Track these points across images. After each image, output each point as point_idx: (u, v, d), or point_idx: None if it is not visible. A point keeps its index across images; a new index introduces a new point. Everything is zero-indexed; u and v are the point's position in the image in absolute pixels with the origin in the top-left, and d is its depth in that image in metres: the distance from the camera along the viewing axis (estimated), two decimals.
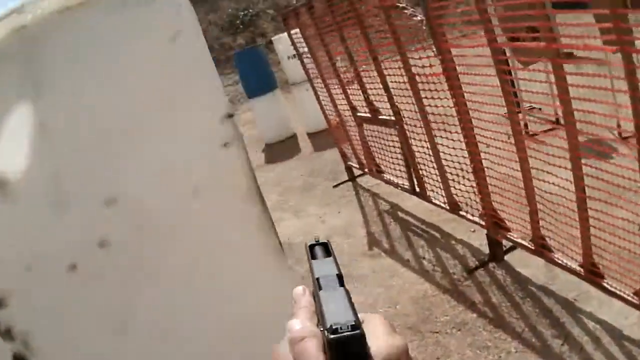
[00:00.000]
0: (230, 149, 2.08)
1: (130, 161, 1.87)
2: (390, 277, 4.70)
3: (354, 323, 0.60)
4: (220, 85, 2.22)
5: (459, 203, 4.54)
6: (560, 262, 3.45)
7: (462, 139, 3.93)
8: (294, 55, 7.36)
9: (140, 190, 1.88)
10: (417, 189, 5.24)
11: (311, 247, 0.82)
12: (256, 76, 10.69)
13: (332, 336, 0.59)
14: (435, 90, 4.01)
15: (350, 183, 7.40)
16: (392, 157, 5.54)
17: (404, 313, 4.12)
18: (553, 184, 3.17)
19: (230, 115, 2.12)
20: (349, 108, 6.13)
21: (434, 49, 3.76)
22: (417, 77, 4.20)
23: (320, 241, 0.83)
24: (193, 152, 2.01)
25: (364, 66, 5.27)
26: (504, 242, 4.20)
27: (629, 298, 2.99)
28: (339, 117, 6.69)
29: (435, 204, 4.99)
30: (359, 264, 5.10)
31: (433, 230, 5.23)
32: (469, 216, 4.41)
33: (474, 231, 4.79)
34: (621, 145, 3.66)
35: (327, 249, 0.81)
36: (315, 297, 0.70)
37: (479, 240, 4.68)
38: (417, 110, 4.38)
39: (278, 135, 11.00)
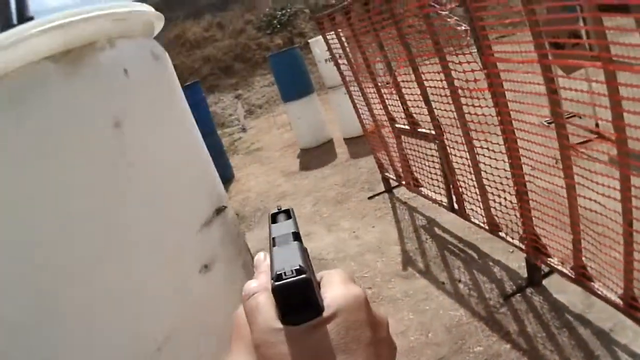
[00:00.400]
0: (210, 274, 1.57)
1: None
2: (424, 301, 4.58)
3: (298, 267, 0.59)
4: (209, 173, 1.82)
5: (499, 224, 4.40)
6: (599, 292, 3.32)
7: (503, 151, 3.80)
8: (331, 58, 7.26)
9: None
10: (456, 206, 5.11)
11: (274, 216, 0.80)
12: (292, 80, 10.73)
13: (276, 283, 0.58)
14: (477, 98, 3.89)
15: (386, 195, 7.32)
16: (430, 172, 5.42)
17: (435, 342, 4.00)
18: (595, 201, 3.03)
19: (220, 211, 1.71)
20: (387, 118, 6.00)
21: (479, 62, 3.63)
22: (459, 91, 4.08)
23: (283, 209, 0.82)
24: (149, 286, 1.41)
25: (402, 76, 5.15)
26: (543, 266, 4.05)
27: None
28: (375, 125, 6.59)
29: (474, 223, 4.85)
30: (391, 285, 4.99)
31: (470, 249, 5.11)
32: (508, 238, 4.27)
33: (512, 252, 4.67)
34: None
35: (289, 216, 0.80)
36: (270, 255, 0.68)
37: (517, 261, 4.56)
38: (457, 118, 4.25)
39: (314, 141, 11.03)
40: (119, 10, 1.45)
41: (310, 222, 7.30)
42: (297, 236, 0.71)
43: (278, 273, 0.58)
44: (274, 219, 0.79)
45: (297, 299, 0.58)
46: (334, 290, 0.62)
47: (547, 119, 3.25)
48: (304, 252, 0.66)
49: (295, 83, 10.78)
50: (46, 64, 1.27)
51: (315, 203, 8.04)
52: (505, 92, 3.55)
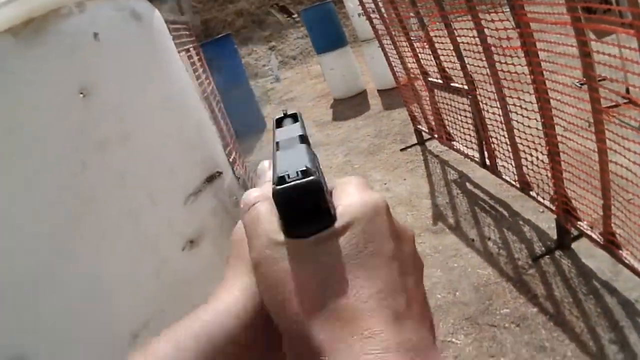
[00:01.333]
0: (196, 250, 1.49)
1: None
2: (453, 257, 4.58)
3: (304, 169, 0.49)
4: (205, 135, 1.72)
5: (530, 183, 4.37)
6: (626, 261, 3.29)
7: (536, 110, 3.75)
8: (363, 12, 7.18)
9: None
10: (488, 162, 5.08)
11: (279, 120, 0.74)
12: (325, 33, 10.72)
13: (277, 187, 0.49)
14: (510, 56, 3.83)
15: (418, 147, 7.31)
16: (463, 126, 5.40)
17: (462, 301, 4.02)
18: (626, 167, 2.97)
19: (213, 178, 1.60)
20: (419, 72, 5.95)
21: (512, 21, 3.57)
22: (492, 48, 4.02)
23: (289, 112, 0.75)
24: (124, 267, 1.35)
25: (435, 31, 5.09)
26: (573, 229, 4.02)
27: None
28: (409, 79, 6.54)
29: (505, 180, 4.82)
30: (421, 241, 4.98)
31: (501, 206, 5.09)
32: (539, 198, 4.25)
33: (542, 212, 4.63)
34: None
35: (296, 120, 0.73)
36: (273, 160, 0.60)
37: (547, 222, 4.53)
38: (489, 74, 4.19)
39: (347, 91, 10.99)
40: None
41: (342, 173, 7.34)
42: (304, 139, 0.63)
43: (280, 175, 0.49)
44: (279, 123, 0.73)
45: (304, 206, 0.49)
46: (349, 197, 0.52)
47: (579, 80, 3.19)
48: (312, 155, 0.58)
49: (329, 36, 10.75)
50: (4, 38, 1.19)
51: (347, 153, 8.05)
52: (538, 52, 3.49)
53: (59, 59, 1.26)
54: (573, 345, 3.35)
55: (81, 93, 1.26)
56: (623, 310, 3.45)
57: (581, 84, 3.28)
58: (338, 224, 0.49)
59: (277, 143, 0.62)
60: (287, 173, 0.49)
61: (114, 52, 1.38)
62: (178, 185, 1.49)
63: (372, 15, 6.60)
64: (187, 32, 6.27)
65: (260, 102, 12.78)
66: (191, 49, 6.07)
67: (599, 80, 3.01)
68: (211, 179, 1.61)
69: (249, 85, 11.50)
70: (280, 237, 0.50)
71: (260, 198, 0.56)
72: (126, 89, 1.39)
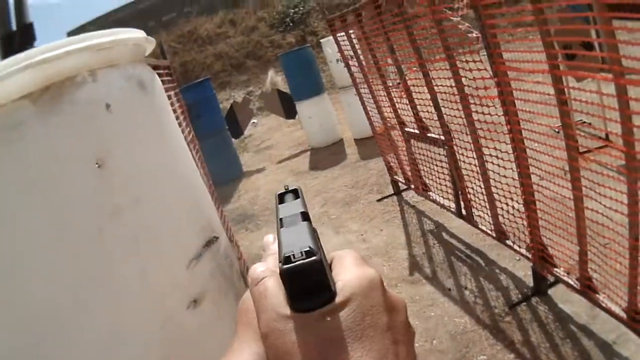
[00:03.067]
0: (199, 309, 1.54)
1: None
2: (430, 307, 4.58)
3: (308, 249, 0.54)
4: (203, 202, 1.77)
5: (506, 232, 4.40)
6: (603, 305, 3.32)
7: (512, 159, 3.80)
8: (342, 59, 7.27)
9: None
10: (464, 212, 5.12)
11: (281, 196, 0.77)
12: (303, 79, 10.78)
13: (284, 266, 0.54)
14: (487, 105, 3.89)
15: (394, 197, 7.32)
16: (439, 177, 5.42)
17: (439, 350, 4.00)
18: (602, 214, 3.01)
19: (211, 242, 1.64)
20: (397, 122, 6.01)
21: (489, 69, 3.63)
22: (469, 97, 4.09)
23: (290, 188, 0.78)
24: (135, 325, 1.40)
25: (413, 80, 5.15)
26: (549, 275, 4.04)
27: None
28: (385, 128, 6.60)
29: (481, 230, 4.86)
30: (397, 291, 4.97)
31: (477, 256, 5.11)
32: (515, 247, 4.28)
33: (518, 259, 4.68)
34: None
35: (297, 195, 0.76)
36: (278, 237, 0.64)
37: (524, 270, 4.57)
38: (466, 124, 4.26)
39: (324, 140, 11.06)
40: (102, 40, 1.40)
41: (318, 223, 7.30)
42: (305, 216, 0.66)
43: (286, 255, 0.54)
44: (281, 199, 0.76)
45: (308, 283, 0.54)
46: (347, 272, 0.58)
47: (556, 127, 3.25)
48: (313, 232, 0.61)
49: (307, 82, 10.83)
50: (23, 104, 1.23)
51: (323, 204, 8.05)
52: (515, 101, 3.55)
53: (76, 128, 1.31)
54: None
55: (97, 163, 1.31)
56: (601, 352, 3.47)
57: (557, 131, 3.33)
58: (338, 299, 0.54)
59: (281, 220, 0.66)
60: (292, 253, 0.54)
61: (124, 122, 1.44)
62: (182, 250, 1.55)
63: (350, 62, 6.68)
64: (169, 78, 6.28)
65: (238, 149, 12.82)
66: (172, 95, 6.08)
67: (576, 125, 3.07)
68: (209, 243, 1.67)
69: (227, 132, 11.52)
70: (287, 311, 0.54)
71: (267, 273, 0.60)
72: (136, 157, 1.45)
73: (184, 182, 1.70)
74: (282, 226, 0.64)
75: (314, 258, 0.53)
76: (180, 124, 5.37)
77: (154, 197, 1.48)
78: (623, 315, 3.16)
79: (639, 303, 3.03)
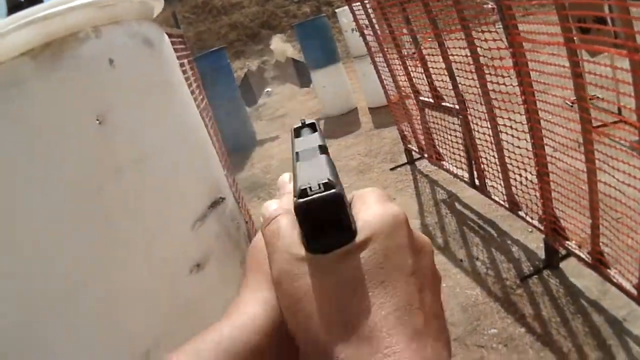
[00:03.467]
0: (203, 273, 1.50)
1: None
2: (442, 278, 4.53)
3: (326, 181, 0.48)
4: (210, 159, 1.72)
5: (519, 203, 4.40)
6: (614, 280, 3.32)
7: (526, 130, 3.79)
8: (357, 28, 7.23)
9: None
10: (477, 182, 5.12)
11: (297, 130, 0.73)
12: (318, 48, 10.72)
13: (299, 200, 0.48)
14: (501, 75, 3.86)
15: (408, 166, 7.31)
16: (453, 146, 5.41)
17: (450, 322, 4.00)
18: (614, 187, 3.01)
19: (217, 203, 1.59)
20: (411, 90, 6.00)
21: (504, 40, 3.61)
22: (484, 67, 4.07)
23: (308, 122, 0.74)
24: (135, 289, 1.38)
25: (428, 49, 5.12)
26: (561, 248, 4.05)
27: None
28: (400, 97, 6.59)
29: (494, 200, 4.86)
30: None
31: (490, 226, 5.11)
32: (528, 218, 4.28)
33: (531, 231, 4.66)
34: None
35: (314, 129, 0.72)
36: (293, 171, 0.60)
37: (536, 242, 4.55)
38: (481, 94, 4.24)
39: (339, 109, 11.03)
40: None
41: None
42: (324, 149, 0.61)
43: (302, 188, 0.48)
44: (297, 133, 0.72)
45: (326, 219, 0.48)
46: (369, 210, 0.52)
47: (569, 100, 3.23)
48: (332, 165, 0.56)
49: (321, 52, 10.79)
50: (23, 60, 1.20)
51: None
52: (530, 72, 3.53)
53: (77, 83, 1.27)
54: None
55: (97, 120, 1.27)
56: (611, 329, 3.46)
57: (572, 104, 3.32)
58: (359, 238, 0.49)
59: (297, 153, 0.62)
60: (309, 186, 0.48)
61: (128, 79, 1.40)
62: (187, 210, 1.50)
63: (366, 32, 6.64)
64: (182, 46, 6.28)
65: (251, 118, 12.80)
66: (185, 63, 6.08)
67: (590, 99, 3.05)
68: (215, 204, 1.61)
69: (241, 101, 11.51)
70: (302, 251, 0.50)
71: (280, 211, 0.56)
72: (140, 115, 1.41)
73: (190, 140, 1.66)
74: (298, 160, 0.60)
75: (333, 190, 0.48)
76: (193, 92, 5.38)
77: (157, 155, 1.43)
78: (634, 291, 3.16)
79: None
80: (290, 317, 0.50)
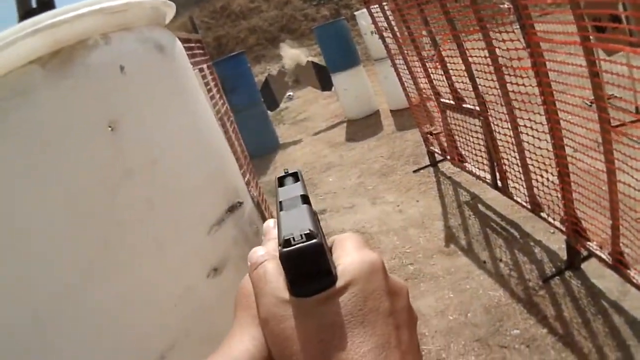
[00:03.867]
0: (220, 278, 1.51)
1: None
2: (465, 279, 4.59)
3: (308, 232, 0.53)
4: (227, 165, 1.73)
5: (541, 204, 4.39)
6: (634, 281, 3.29)
7: (546, 130, 3.77)
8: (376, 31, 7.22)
9: None
10: (499, 184, 5.10)
11: (281, 179, 0.76)
12: (338, 51, 10.76)
13: (284, 249, 0.52)
14: (520, 76, 3.84)
15: (430, 168, 7.31)
16: (475, 147, 5.40)
17: (473, 323, 4.01)
18: (634, 188, 3.01)
19: (234, 208, 1.61)
20: (432, 92, 6.00)
21: (522, 40, 3.60)
22: (503, 68, 4.06)
23: (290, 171, 0.78)
24: (152, 293, 1.39)
25: (447, 51, 5.12)
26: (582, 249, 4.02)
27: None
28: (421, 99, 6.58)
29: (516, 202, 4.84)
30: (433, 262, 5.01)
31: (512, 228, 5.10)
32: (550, 219, 4.26)
33: (553, 232, 4.67)
34: None
35: (297, 179, 0.75)
36: (277, 220, 0.63)
37: (558, 243, 4.54)
38: (500, 95, 4.22)
39: (360, 112, 11.05)
40: (115, 4, 1.37)
41: (355, 194, 7.38)
42: (306, 199, 0.65)
43: (286, 238, 0.52)
44: (280, 182, 0.75)
45: (308, 267, 0.52)
46: (348, 256, 0.56)
47: (588, 100, 3.22)
48: (313, 215, 0.60)
49: (342, 55, 10.81)
50: (32, 68, 1.21)
51: (360, 175, 8.07)
52: (549, 72, 3.52)
53: (87, 91, 1.29)
54: None
55: (109, 126, 1.30)
56: (630, 330, 3.45)
57: (590, 104, 3.31)
58: (339, 283, 0.53)
59: (281, 203, 0.65)
60: (292, 236, 0.52)
61: (139, 85, 1.42)
62: (202, 215, 1.53)
63: (385, 34, 6.65)
64: (200, 51, 6.32)
65: (274, 121, 12.84)
66: (205, 67, 6.11)
67: (608, 99, 3.04)
68: (232, 209, 1.64)
69: (262, 105, 11.55)
70: (286, 295, 0.54)
71: (266, 257, 0.59)
72: (151, 120, 1.43)
73: (204, 145, 1.67)
74: (281, 209, 0.63)
75: (314, 241, 0.52)
76: (213, 97, 5.40)
77: (170, 160, 1.45)
78: None
79: None
80: (277, 354, 0.53)
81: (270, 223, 0.70)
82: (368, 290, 0.53)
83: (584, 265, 4.18)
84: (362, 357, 0.49)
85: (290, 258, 0.52)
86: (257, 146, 9.72)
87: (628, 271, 3.36)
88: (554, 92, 3.54)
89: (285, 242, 0.52)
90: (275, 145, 11.31)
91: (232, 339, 0.59)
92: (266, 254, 0.60)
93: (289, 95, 16.11)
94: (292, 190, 0.69)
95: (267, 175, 9.51)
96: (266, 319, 0.54)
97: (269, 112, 12.00)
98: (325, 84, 11.95)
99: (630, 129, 3.21)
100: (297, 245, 0.52)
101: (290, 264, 0.53)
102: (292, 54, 17.91)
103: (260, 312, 0.56)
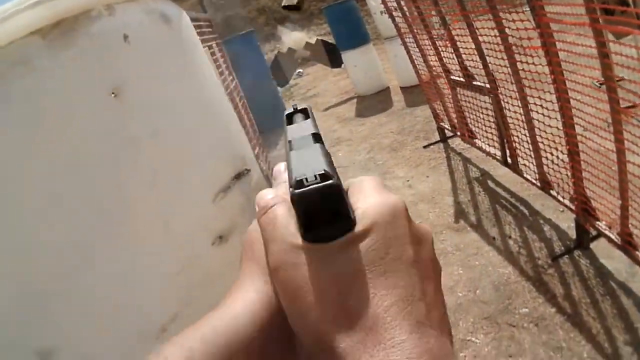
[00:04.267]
0: (225, 246, 1.48)
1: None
2: (474, 256, 4.59)
3: (323, 172, 0.48)
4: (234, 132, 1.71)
5: (551, 182, 4.40)
6: None
7: (556, 109, 3.77)
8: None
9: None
10: (509, 161, 5.11)
11: (289, 116, 0.72)
12: (348, 30, 10.72)
13: (296, 191, 0.47)
14: (530, 55, 3.85)
15: (440, 144, 7.31)
16: (485, 124, 5.40)
17: (482, 300, 4.03)
18: (639, 166, 3.01)
19: (242, 175, 1.59)
20: (442, 70, 5.99)
21: (532, 21, 3.60)
22: (513, 47, 4.06)
23: (300, 107, 0.73)
24: (154, 262, 1.37)
25: (457, 30, 5.11)
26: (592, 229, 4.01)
27: None
28: (431, 76, 6.56)
29: (526, 179, 4.86)
30: (442, 238, 5.02)
31: (522, 205, 5.10)
32: (559, 197, 4.27)
33: (562, 211, 4.65)
34: None
35: (307, 115, 0.71)
36: (287, 160, 0.58)
37: (567, 221, 4.53)
38: (511, 73, 4.22)
39: (370, 88, 11.02)
40: None
41: (365, 169, 7.38)
42: (317, 137, 0.60)
43: (298, 179, 0.47)
44: (289, 119, 0.70)
45: (323, 210, 0.47)
46: (367, 199, 0.51)
47: (598, 80, 3.23)
48: (327, 155, 0.55)
49: (351, 33, 10.80)
50: (33, 39, 1.20)
51: (370, 150, 8.08)
52: (558, 52, 3.53)
53: (90, 60, 1.27)
54: (589, 347, 3.34)
55: (112, 93, 1.28)
56: (639, 312, 3.45)
57: (600, 84, 3.31)
58: (358, 228, 0.48)
59: (290, 142, 0.60)
60: (305, 177, 0.47)
61: (144, 54, 1.40)
62: (207, 182, 1.50)
63: (395, 13, 6.63)
64: (209, 29, 6.33)
65: (284, 98, 12.81)
66: (214, 45, 6.13)
67: (617, 81, 3.04)
68: (239, 176, 1.60)
69: (272, 82, 11.53)
70: (299, 241, 0.48)
71: (276, 200, 0.54)
72: (156, 89, 1.41)
73: (210, 114, 1.65)
74: (291, 149, 0.59)
75: (330, 181, 0.47)
76: (222, 73, 5.41)
77: (174, 129, 1.43)
78: None
79: None
80: (289, 306, 0.49)
81: (281, 167, 0.64)
82: (390, 236, 0.48)
83: (593, 245, 4.17)
84: (386, 311, 0.45)
85: (304, 200, 0.47)
86: (267, 121, 9.71)
87: (636, 252, 3.36)
88: (564, 72, 3.54)
89: (297, 183, 0.47)
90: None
91: (236, 294, 0.55)
92: (276, 197, 0.55)
93: (299, 72, 16.07)
94: (302, 128, 0.65)
95: (277, 149, 9.50)
96: (276, 267, 0.49)
97: (279, 88, 11.98)
98: (335, 61, 11.93)
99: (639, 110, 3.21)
100: (310, 186, 0.47)
101: (304, 207, 0.47)
102: (295, 38, 17.82)
103: (270, 261, 0.51)
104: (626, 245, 3.44)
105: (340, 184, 0.48)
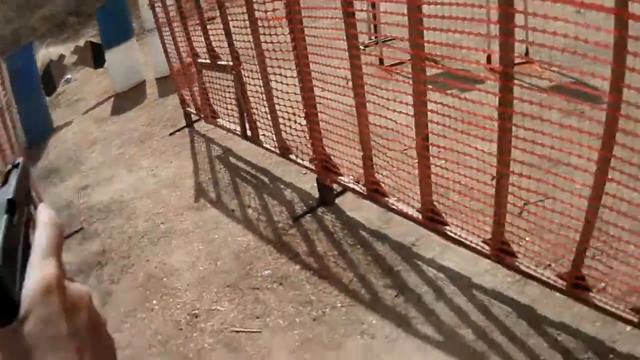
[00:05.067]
0: None
1: None
2: (213, 230, 4.00)
3: None
4: None
5: (290, 147, 3.87)
6: (395, 207, 2.90)
7: (295, 75, 3.31)
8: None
9: None
10: (249, 134, 4.46)
11: (7, 174, 0.50)
12: (114, 27, 9.49)
13: None
14: (274, 27, 3.40)
15: (187, 130, 6.44)
16: (226, 102, 4.75)
17: (224, 270, 3.51)
18: (388, 118, 2.63)
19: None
20: (191, 54, 5.26)
21: None
22: (258, 21, 3.54)
23: (17, 162, 0.51)
24: None
25: (209, 12, 4.49)
26: (336, 185, 3.58)
27: (477, 247, 2.39)
28: (181, 63, 5.80)
29: (266, 148, 4.27)
30: (183, 219, 4.35)
31: (263, 174, 4.51)
32: (298, 160, 3.76)
33: (305, 173, 4.12)
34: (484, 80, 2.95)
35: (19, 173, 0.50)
36: None
37: (310, 182, 4.01)
38: (253, 47, 3.69)
39: (127, 84, 9.78)
40: None
41: (114, 165, 6.41)
42: (11, 206, 0.44)
43: None
44: (6, 178, 0.49)
45: None
46: (30, 273, 0.42)
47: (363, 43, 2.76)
48: (10, 228, 0.42)
49: (116, 30, 9.55)
50: None
51: (120, 146, 7.05)
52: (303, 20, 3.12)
53: None
54: (343, 296, 2.97)
55: None
56: (399, 255, 3.10)
57: (365, 46, 2.87)
58: (21, 312, 0.40)
59: None
60: None
61: None
62: None
63: (156, 5, 5.83)
64: None
65: (51, 106, 11.17)
66: None
67: (387, 40, 2.63)
68: None
69: (41, 92, 9.93)
70: None
71: None
72: None
73: None
74: None
75: None
76: None
77: None
78: (418, 215, 2.79)
79: (435, 202, 2.68)
80: None
81: None
82: (45, 315, 0.41)
83: (338, 200, 3.75)
84: None
85: None
86: (34, 133, 8.46)
87: (386, 199, 2.99)
88: (306, 37, 3.12)
89: None
90: (49, 130, 9.69)
91: None
92: None
93: (67, 78, 14.31)
94: (2, 192, 0.46)
95: (41, 161, 8.14)
96: None
97: (47, 98, 10.45)
98: (98, 62, 10.64)
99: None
100: None
101: None
102: (50, 54, 16.04)
103: None
104: (374, 194, 3.04)
105: (4, 275, 0.39)
